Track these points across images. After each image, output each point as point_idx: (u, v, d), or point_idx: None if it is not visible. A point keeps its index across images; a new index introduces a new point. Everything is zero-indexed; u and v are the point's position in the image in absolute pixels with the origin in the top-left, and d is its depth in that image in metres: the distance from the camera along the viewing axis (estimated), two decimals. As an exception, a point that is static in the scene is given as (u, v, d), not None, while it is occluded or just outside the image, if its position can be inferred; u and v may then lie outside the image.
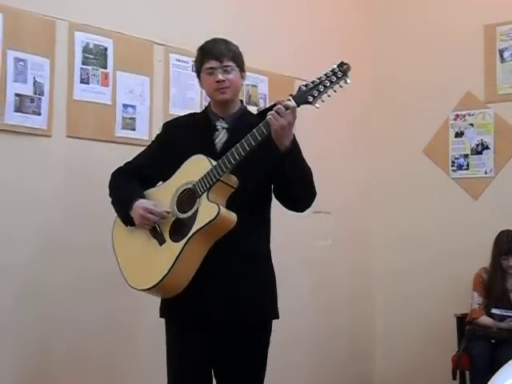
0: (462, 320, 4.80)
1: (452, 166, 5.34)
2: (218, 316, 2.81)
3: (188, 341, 2.86)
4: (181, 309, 2.84)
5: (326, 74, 2.70)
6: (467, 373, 4.61)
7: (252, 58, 4.40)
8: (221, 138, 2.94)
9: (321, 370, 5.04)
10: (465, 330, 4.64)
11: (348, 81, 2.70)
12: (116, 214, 2.98)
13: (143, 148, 3.14)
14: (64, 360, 3.51)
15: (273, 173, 2.84)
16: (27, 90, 3.38)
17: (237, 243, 2.79)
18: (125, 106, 3.80)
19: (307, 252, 4.91)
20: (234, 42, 2.99)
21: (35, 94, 3.41)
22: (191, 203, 2.79)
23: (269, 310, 2.94)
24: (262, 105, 4.56)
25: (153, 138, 3.17)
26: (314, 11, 5.06)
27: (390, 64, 5.59)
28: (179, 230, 2.80)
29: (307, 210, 2.98)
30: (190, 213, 2.78)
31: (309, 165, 2.87)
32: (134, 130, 3.83)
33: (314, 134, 4.56)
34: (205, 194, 2.76)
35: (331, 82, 2.69)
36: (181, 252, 2.74)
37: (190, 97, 4.13)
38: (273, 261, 3.00)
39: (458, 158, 5.32)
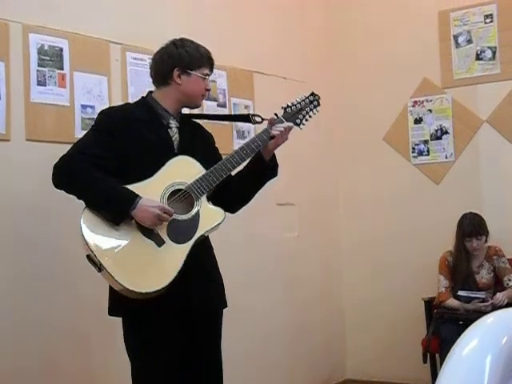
0: (429, 304, 4.86)
1: (413, 152, 5.39)
2: (198, 307, 2.90)
3: (167, 333, 2.86)
4: (156, 303, 2.74)
5: (304, 101, 3.10)
6: (437, 355, 4.67)
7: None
8: (176, 136, 2.97)
9: (296, 365, 5.07)
10: (433, 314, 4.70)
11: (319, 109, 3.15)
12: (86, 209, 2.75)
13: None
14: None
15: None
16: (-17, 94, 3.32)
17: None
18: (83, 106, 3.75)
19: (276, 246, 4.93)
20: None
21: (-9, 98, 3.35)
22: (188, 205, 2.82)
23: (224, 298, 3.09)
24: (222, 100, 4.54)
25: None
26: (272, 5, 5.05)
27: (349, 54, 5.63)
28: (178, 231, 2.78)
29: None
30: (189, 215, 2.81)
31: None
32: (94, 130, 3.79)
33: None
34: (204, 197, 2.84)
35: (310, 110, 3.11)
36: (188, 253, 2.77)
37: (148, 95, 4.09)
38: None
39: (418, 144, 5.37)
